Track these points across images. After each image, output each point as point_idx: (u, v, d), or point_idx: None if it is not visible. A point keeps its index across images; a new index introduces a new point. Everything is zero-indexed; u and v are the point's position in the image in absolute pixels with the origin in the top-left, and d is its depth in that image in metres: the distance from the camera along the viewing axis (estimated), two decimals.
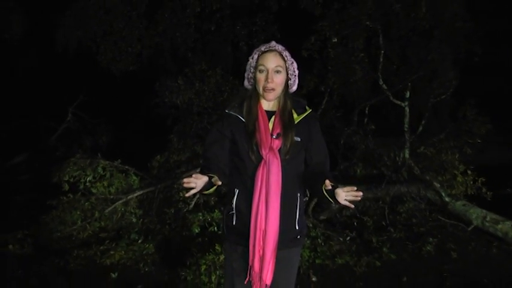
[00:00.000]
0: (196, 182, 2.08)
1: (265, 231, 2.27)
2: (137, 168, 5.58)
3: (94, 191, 5.18)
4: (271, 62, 2.34)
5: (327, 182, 2.19)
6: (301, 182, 2.44)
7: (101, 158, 5.38)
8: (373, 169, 5.95)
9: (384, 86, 5.91)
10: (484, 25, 6.27)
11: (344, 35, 5.95)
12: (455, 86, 5.97)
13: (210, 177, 2.17)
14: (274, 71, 2.34)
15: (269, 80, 2.33)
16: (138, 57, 7.16)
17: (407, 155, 5.78)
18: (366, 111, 6.35)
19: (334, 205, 2.26)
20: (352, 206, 2.19)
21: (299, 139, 2.37)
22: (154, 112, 6.37)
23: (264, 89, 2.35)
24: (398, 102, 5.90)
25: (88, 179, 5.19)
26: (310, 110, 2.50)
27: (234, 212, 2.39)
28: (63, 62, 8.66)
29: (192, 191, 2.10)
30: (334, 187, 2.19)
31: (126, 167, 5.46)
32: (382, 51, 5.93)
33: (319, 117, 6.06)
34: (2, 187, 7.90)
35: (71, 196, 5.12)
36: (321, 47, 6.00)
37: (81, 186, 5.19)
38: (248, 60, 2.43)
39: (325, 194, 2.22)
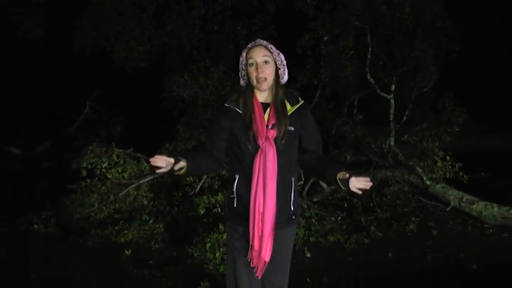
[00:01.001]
0: (161, 161, 2.12)
1: (263, 213, 2.25)
2: (148, 156, 5.50)
3: (109, 176, 5.13)
4: (258, 54, 2.31)
5: (344, 173, 2.19)
6: (295, 167, 2.42)
7: (115, 146, 5.33)
8: (361, 156, 5.91)
9: (372, 80, 5.86)
10: (462, 24, 6.22)
11: (335, 34, 5.90)
12: (436, 80, 5.93)
13: (177, 160, 2.18)
14: (263, 62, 2.31)
15: (259, 71, 2.30)
16: (148, 55, 7.11)
17: (392, 143, 5.76)
18: (355, 103, 6.32)
19: (343, 189, 2.26)
20: (360, 192, 2.18)
21: (292, 128, 2.34)
22: (163, 105, 6.30)
23: (257, 79, 2.31)
24: (385, 95, 5.86)
25: (104, 166, 5.14)
26: (303, 102, 2.45)
27: (234, 195, 2.36)
28: (81, 60, 8.61)
29: (161, 170, 2.14)
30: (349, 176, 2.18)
31: (138, 154, 5.41)
32: (370, 49, 5.87)
33: (313, 109, 6.03)
34: (27, 173, 7.90)
35: (89, 181, 5.07)
36: (314, 44, 5.95)
37: (98, 172, 5.13)
38: (239, 60, 2.40)
39: (339, 182, 2.22)
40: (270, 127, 2.31)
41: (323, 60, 5.96)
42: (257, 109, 2.34)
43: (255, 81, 2.33)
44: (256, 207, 2.26)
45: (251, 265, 2.32)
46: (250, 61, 2.32)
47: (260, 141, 2.28)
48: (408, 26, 5.92)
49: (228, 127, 2.35)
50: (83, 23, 7.10)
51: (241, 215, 2.33)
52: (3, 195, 6.26)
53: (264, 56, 2.31)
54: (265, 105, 2.38)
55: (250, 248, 2.30)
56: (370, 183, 2.14)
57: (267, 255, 2.28)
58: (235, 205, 2.37)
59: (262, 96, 2.40)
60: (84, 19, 7.08)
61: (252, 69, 2.32)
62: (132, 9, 6.87)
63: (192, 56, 6.90)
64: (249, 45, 2.36)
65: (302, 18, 6.23)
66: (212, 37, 7.35)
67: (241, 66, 2.39)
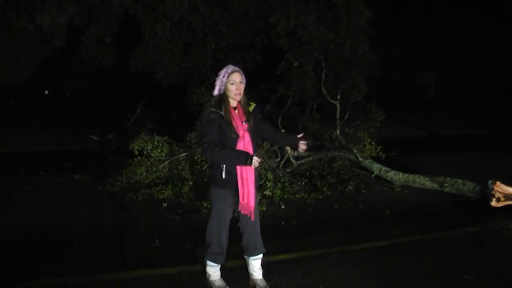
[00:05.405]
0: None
1: (247, 178, 2.23)
2: (177, 141, 5.36)
3: (152, 155, 4.94)
4: (238, 77, 2.26)
5: (304, 135, 2.41)
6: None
7: (156, 135, 5.12)
8: (318, 141, 5.76)
9: (325, 92, 5.68)
10: (381, 57, 6.18)
11: (301, 61, 5.72)
12: (366, 92, 5.78)
13: None
14: (240, 83, 2.26)
15: (238, 88, 2.26)
16: (177, 75, 6.90)
17: (338, 133, 5.61)
18: (314, 107, 6.15)
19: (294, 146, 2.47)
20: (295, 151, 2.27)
21: (253, 121, 2.34)
22: (187, 108, 6.13)
23: (236, 94, 2.26)
24: (333, 102, 5.69)
25: (149, 148, 4.94)
26: (255, 104, 2.42)
27: (223, 169, 2.26)
28: (135, 78, 8.38)
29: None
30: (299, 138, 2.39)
31: (171, 140, 5.21)
32: (324, 71, 5.68)
33: (285, 111, 5.89)
34: (101, 153, 7.75)
35: (139, 158, 4.90)
36: (287, 68, 5.75)
37: (145, 152, 4.94)
38: (219, 78, 2.28)
39: (289, 139, 2.49)
40: (243, 122, 2.28)
41: (293, 79, 5.80)
42: (232, 111, 2.29)
43: (233, 94, 2.26)
44: (242, 174, 2.23)
45: (242, 212, 2.29)
46: (232, 81, 2.25)
47: (240, 132, 2.24)
48: (348, 57, 5.78)
49: (218, 124, 2.26)
50: (136, 54, 6.83)
51: (230, 182, 2.27)
52: (87, 167, 6.12)
53: (241, 79, 2.26)
54: (233, 108, 2.33)
55: (239, 202, 2.26)
56: (305, 147, 2.40)
57: (252, 204, 2.26)
58: (223, 176, 2.27)
59: (233, 102, 2.32)
60: (137, 51, 6.82)
61: (232, 87, 2.25)
62: (167, 45, 6.62)
63: (207, 75, 6.73)
64: (230, 70, 2.27)
65: (279, 51, 6.07)
66: (220, 63, 7.18)
67: (222, 82, 2.28)
